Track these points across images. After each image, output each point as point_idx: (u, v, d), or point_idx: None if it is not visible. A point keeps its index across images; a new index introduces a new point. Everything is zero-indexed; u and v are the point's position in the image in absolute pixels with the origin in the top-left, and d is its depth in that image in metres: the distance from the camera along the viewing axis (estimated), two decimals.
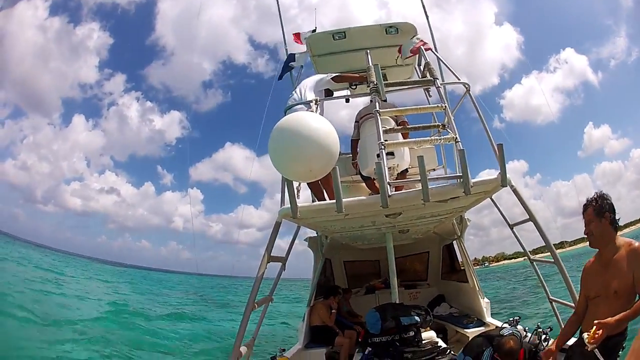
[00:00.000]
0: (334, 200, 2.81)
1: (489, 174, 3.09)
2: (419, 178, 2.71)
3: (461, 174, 2.73)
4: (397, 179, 3.55)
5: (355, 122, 4.02)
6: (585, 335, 2.08)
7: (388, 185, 2.71)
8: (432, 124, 3.61)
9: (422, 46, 3.91)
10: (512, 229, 3.85)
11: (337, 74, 3.82)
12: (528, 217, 3.30)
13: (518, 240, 3.96)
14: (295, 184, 3.30)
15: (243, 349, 3.29)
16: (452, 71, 3.79)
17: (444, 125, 3.09)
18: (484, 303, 5.51)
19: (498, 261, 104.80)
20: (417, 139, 3.46)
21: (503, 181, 2.86)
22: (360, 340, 4.33)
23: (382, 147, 2.81)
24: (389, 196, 2.70)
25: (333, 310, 5.35)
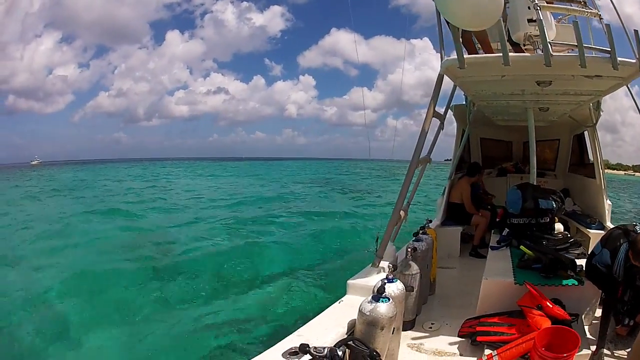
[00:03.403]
0: (501, 54, 2.90)
1: None
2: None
3: (609, 49, 2.72)
4: None
5: None
6: None
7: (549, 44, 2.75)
8: None
9: None
10: None
11: None
12: None
13: None
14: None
15: (402, 213, 3.31)
16: None
17: (584, 2, 3.27)
18: (607, 205, 5.34)
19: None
20: (565, 5, 3.56)
21: None
22: (497, 220, 4.61)
23: (538, 7, 2.83)
24: (551, 55, 2.77)
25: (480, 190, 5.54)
